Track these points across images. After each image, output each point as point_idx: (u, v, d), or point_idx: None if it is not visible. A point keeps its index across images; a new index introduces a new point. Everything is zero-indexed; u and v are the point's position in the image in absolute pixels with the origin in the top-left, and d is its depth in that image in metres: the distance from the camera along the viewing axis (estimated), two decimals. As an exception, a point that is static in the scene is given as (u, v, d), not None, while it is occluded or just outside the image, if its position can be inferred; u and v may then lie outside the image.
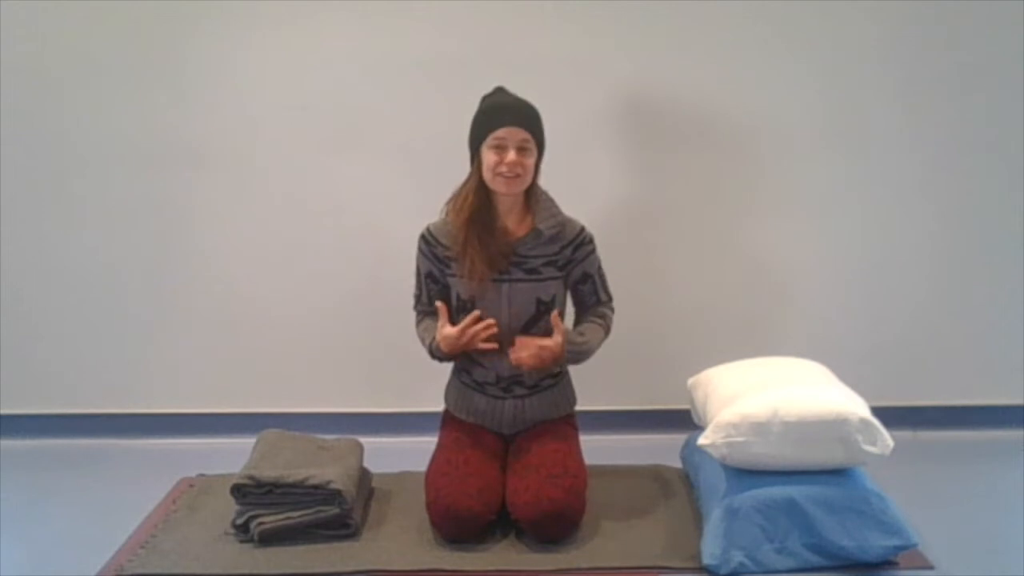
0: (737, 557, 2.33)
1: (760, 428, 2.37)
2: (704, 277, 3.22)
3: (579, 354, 2.62)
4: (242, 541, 2.50)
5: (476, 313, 2.56)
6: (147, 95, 3.09)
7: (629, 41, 3.05)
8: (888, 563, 2.36)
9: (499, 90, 2.62)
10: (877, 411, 2.41)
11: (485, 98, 2.61)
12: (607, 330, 2.70)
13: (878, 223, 3.18)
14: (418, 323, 2.74)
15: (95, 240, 3.19)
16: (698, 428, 2.63)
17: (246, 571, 2.38)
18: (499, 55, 3.02)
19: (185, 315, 3.23)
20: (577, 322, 2.74)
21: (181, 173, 3.14)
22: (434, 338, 2.61)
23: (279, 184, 3.15)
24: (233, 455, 2.73)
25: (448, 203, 2.63)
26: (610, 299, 2.74)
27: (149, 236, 3.18)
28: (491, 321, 2.56)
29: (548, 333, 2.62)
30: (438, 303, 2.60)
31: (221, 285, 3.21)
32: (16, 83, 3.08)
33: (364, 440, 2.83)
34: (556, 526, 2.45)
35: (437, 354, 2.63)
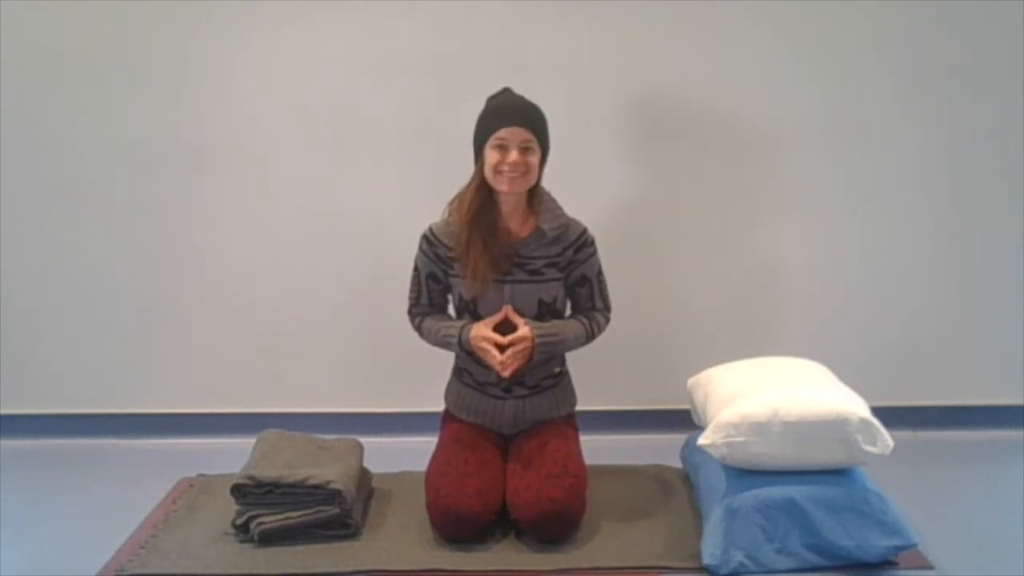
0: (737, 557, 2.33)
1: (760, 428, 2.37)
2: (704, 277, 3.22)
3: (548, 340, 2.57)
4: (242, 541, 2.50)
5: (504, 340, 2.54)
6: (147, 95, 3.09)
7: (629, 41, 3.05)
8: (888, 563, 2.36)
9: (505, 91, 2.62)
10: (877, 411, 2.41)
11: (491, 99, 2.61)
12: (588, 331, 2.66)
13: (878, 223, 3.18)
14: (420, 323, 2.71)
15: (95, 240, 3.19)
16: (698, 428, 2.63)
17: (246, 571, 2.38)
18: (499, 55, 3.02)
19: (185, 315, 3.23)
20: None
21: (181, 173, 3.14)
22: (466, 325, 2.58)
23: (279, 184, 3.15)
24: (233, 455, 2.73)
25: (451, 203, 2.62)
26: (607, 308, 2.72)
27: (149, 236, 3.18)
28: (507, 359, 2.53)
29: None
30: (506, 306, 2.58)
31: (221, 285, 3.21)
32: (16, 83, 3.08)
33: (364, 440, 2.83)
34: (556, 526, 2.45)
35: (461, 343, 2.59)
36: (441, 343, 2.67)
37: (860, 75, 3.08)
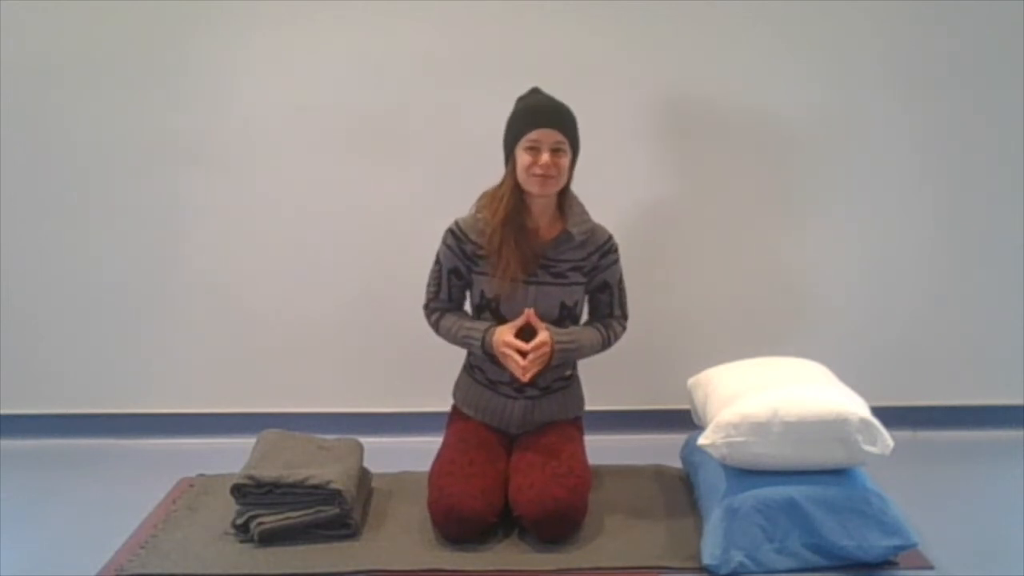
0: (737, 557, 2.33)
1: (760, 428, 2.37)
2: (704, 277, 3.22)
3: (567, 347, 2.58)
4: (242, 541, 2.50)
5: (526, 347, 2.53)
6: (147, 95, 3.09)
7: (629, 42, 3.05)
8: (888, 563, 2.36)
9: (534, 91, 2.61)
10: (877, 411, 2.42)
11: (520, 99, 2.60)
12: (604, 339, 2.68)
13: (878, 223, 3.18)
14: (438, 319, 2.69)
15: (95, 240, 3.19)
16: (698, 428, 2.63)
17: (246, 571, 2.38)
18: (499, 55, 3.02)
19: (185, 315, 3.23)
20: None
21: (181, 173, 3.14)
22: (489, 329, 2.57)
23: (279, 184, 3.15)
24: (233, 455, 2.72)
25: (479, 200, 2.62)
26: (624, 316, 2.73)
27: (149, 236, 3.18)
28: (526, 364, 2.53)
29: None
30: (528, 310, 2.56)
31: (221, 285, 3.21)
32: (16, 83, 3.07)
33: (364, 440, 2.83)
34: (559, 525, 2.45)
35: (484, 346, 2.59)
36: (460, 343, 2.66)
37: (860, 75, 3.08)
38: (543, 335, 2.55)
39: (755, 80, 3.08)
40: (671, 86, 3.09)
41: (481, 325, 2.62)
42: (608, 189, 3.11)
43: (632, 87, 3.08)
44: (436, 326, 2.70)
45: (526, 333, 2.58)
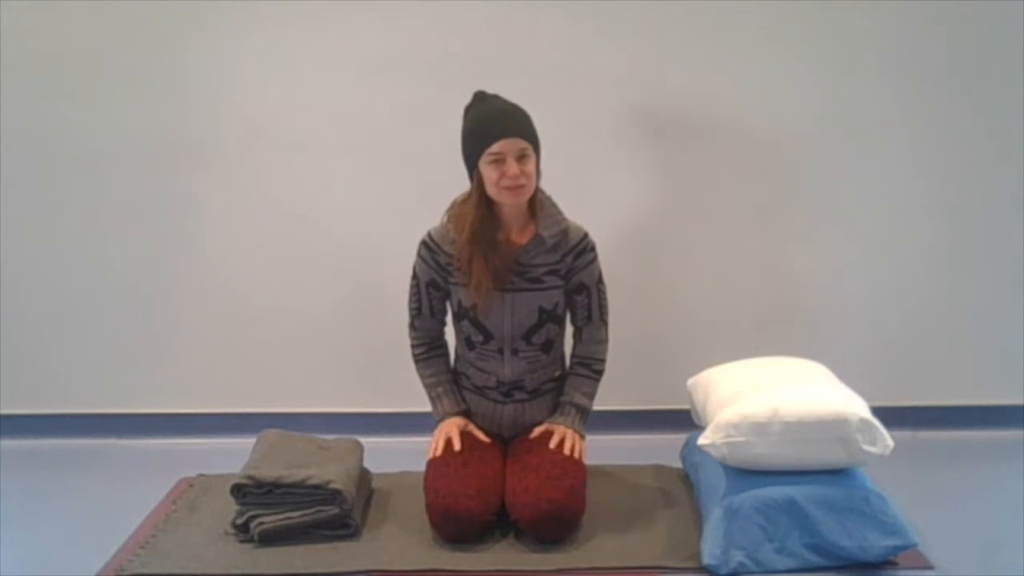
0: (737, 557, 2.33)
1: (760, 428, 2.37)
2: (704, 277, 3.22)
3: (584, 416, 2.68)
4: (242, 541, 2.50)
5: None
6: (147, 95, 3.09)
7: (630, 42, 3.05)
8: (888, 563, 2.35)
9: (482, 98, 2.55)
10: (877, 411, 2.41)
11: (468, 109, 2.55)
12: (599, 372, 2.71)
13: (878, 223, 3.18)
14: (420, 354, 2.73)
15: (95, 240, 3.19)
16: (698, 428, 2.63)
17: (246, 571, 2.38)
18: (500, 57, 3.02)
19: (185, 315, 3.24)
20: (573, 352, 2.74)
21: (181, 173, 3.14)
22: (448, 414, 2.66)
23: (278, 184, 3.15)
24: (233, 455, 2.72)
25: (449, 210, 2.60)
26: (604, 319, 2.69)
27: (148, 236, 3.19)
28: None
29: (549, 342, 2.65)
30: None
31: (221, 285, 3.21)
32: (16, 83, 3.08)
33: (364, 440, 2.83)
34: (555, 527, 2.44)
35: (436, 416, 2.69)
36: (425, 391, 2.73)
37: (861, 77, 3.07)
38: (557, 436, 2.60)
39: (755, 81, 3.08)
40: (674, 86, 3.08)
41: (446, 401, 2.68)
42: (610, 189, 3.13)
43: (634, 87, 3.08)
44: (415, 360, 2.74)
45: (531, 333, 2.59)
